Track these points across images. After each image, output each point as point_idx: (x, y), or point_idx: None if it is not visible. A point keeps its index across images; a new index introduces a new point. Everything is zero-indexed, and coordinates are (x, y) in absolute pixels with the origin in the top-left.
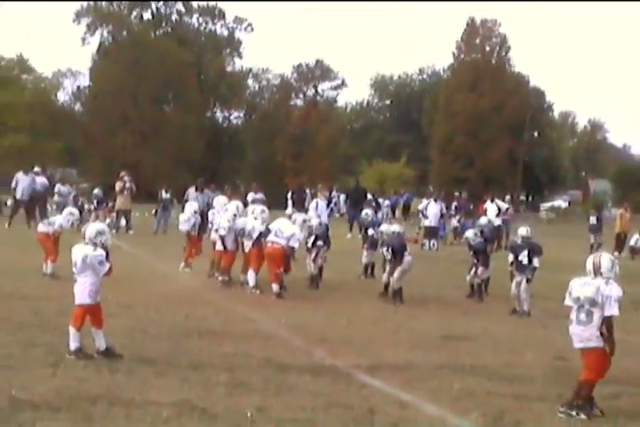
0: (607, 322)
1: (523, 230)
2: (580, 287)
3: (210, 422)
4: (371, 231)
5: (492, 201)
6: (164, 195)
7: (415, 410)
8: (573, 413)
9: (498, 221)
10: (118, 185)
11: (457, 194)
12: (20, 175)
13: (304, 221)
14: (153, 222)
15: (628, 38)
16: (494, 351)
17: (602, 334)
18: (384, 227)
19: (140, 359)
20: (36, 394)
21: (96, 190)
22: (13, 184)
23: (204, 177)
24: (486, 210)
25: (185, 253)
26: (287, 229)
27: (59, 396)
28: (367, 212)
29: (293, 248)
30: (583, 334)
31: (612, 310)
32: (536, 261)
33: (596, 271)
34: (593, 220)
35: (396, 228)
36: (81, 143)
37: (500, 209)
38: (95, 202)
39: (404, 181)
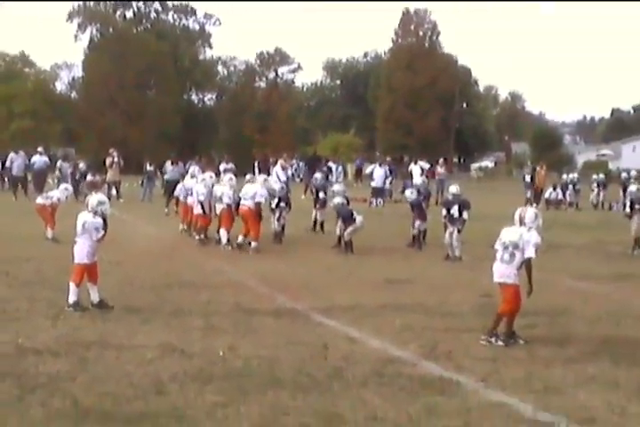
0: (526, 263)
1: (453, 188)
2: (507, 233)
3: (188, 360)
4: (321, 195)
5: (416, 163)
6: (149, 167)
7: (363, 344)
8: (492, 340)
9: (419, 180)
10: (108, 160)
11: (388, 159)
12: (12, 155)
13: (264, 180)
14: (139, 192)
15: (542, 19)
16: (430, 291)
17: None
18: (336, 187)
19: (128, 309)
20: (39, 342)
21: (80, 164)
22: (8, 163)
23: (182, 151)
24: (412, 171)
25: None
26: (250, 190)
27: (58, 343)
28: (317, 176)
29: (259, 203)
30: (505, 272)
31: (530, 252)
32: (465, 215)
33: (522, 221)
34: (527, 178)
35: (339, 199)
36: (77, 125)
37: (422, 169)
38: (78, 174)
39: (354, 148)
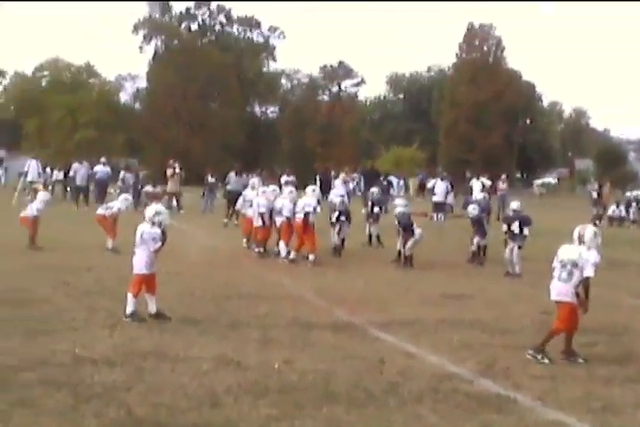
0: (584, 282)
1: (514, 204)
2: (566, 251)
3: (243, 373)
4: (376, 209)
5: (478, 179)
6: (210, 179)
7: (420, 360)
8: (539, 356)
9: (480, 196)
10: (169, 171)
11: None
12: (76, 165)
13: (312, 190)
14: (200, 203)
15: (606, 36)
16: (489, 308)
17: (577, 294)
18: (397, 201)
19: (186, 320)
20: (96, 351)
21: (142, 175)
22: (72, 173)
23: (244, 163)
24: (472, 187)
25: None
26: (301, 202)
27: (115, 353)
28: (373, 190)
29: (308, 213)
30: (562, 290)
31: (590, 272)
32: (526, 231)
33: (581, 240)
34: (594, 195)
35: (402, 208)
36: (140, 136)
37: (484, 186)
38: (140, 185)
39: (416, 163)
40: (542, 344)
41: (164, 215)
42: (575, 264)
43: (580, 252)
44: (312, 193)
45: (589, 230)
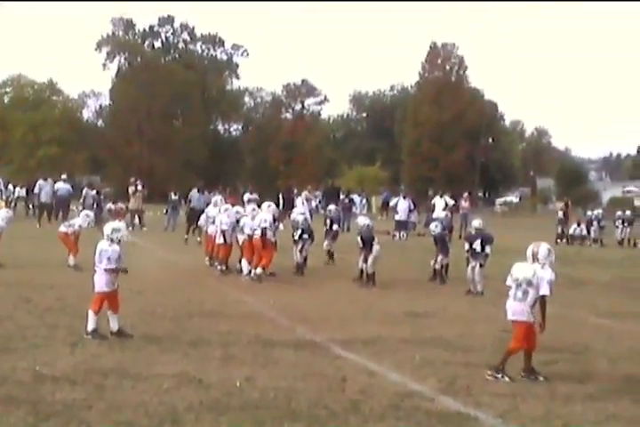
0: (540, 300)
1: (476, 223)
2: (520, 270)
3: (205, 390)
4: (335, 226)
5: (441, 197)
6: (173, 197)
7: (381, 378)
8: (498, 376)
9: (442, 214)
10: (130, 189)
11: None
12: (41, 182)
13: (268, 206)
14: (164, 220)
15: (568, 56)
16: (451, 326)
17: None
18: (360, 219)
19: (148, 338)
20: (57, 369)
21: (85, 190)
22: (36, 190)
23: (207, 180)
24: (434, 205)
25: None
26: (256, 218)
27: (76, 370)
28: (330, 208)
29: (264, 228)
30: (517, 309)
31: (545, 290)
32: (488, 249)
33: (534, 257)
34: (560, 214)
35: (366, 221)
36: (103, 153)
37: (447, 204)
38: (103, 202)
39: (379, 181)
40: (501, 364)
41: (122, 232)
42: (530, 283)
43: (534, 270)
44: (267, 209)
45: (543, 248)
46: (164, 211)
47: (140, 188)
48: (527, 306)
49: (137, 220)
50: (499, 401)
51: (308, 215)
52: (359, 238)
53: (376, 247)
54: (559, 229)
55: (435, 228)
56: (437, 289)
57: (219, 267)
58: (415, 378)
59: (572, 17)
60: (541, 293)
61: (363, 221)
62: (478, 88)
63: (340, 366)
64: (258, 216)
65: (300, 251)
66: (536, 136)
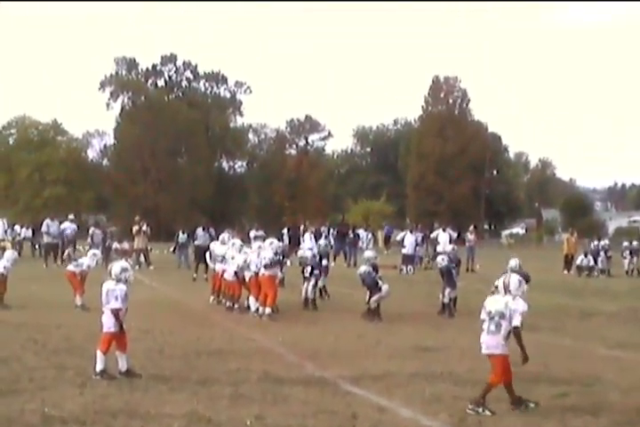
0: (514, 332)
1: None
2: (493, 303)
3: None
4: (324, 262)
5: (444, 230)
6: (181, 235)
7: (392, 414)
8: (479, 410)
9: (449, 248)
10: (135, 228)
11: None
12: (48, 221)
13: (270, 243)
14: (174, 260)
15: (571, 87)
16: (460, 360)
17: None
18: (367, 253)
19: (156, 377)
20: (66, 410)
21: (92, 230)
22: (44, 229)
23: (212, 218)
24: (437, 238)
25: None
26: (260, 256)
27: (85, 411)
28: (320, 243)
29: (266, 265)
30: (490, 342)
31: (517, 321)
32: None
33: (506, 289)
34: (566, 245)
35: (363, 268)
36: (109, 192)
37: (451, 237)
38: (109, 241)
39: (384, 215)
40: (481, 397)
41: (130, 272)
42: (502, 315)
43: (506, 302)
44: (269, 246)
45: (514, 279)
46: (172, 249)
47: (144, 228)
48: (501, 338)
49: (142, 258)
50: None
51: (315, 251)
52: (362, 284)
53: (384, 287)
54: (566, 260)
55: (442, 261)
56: (446, 323)
57: (227, 304)
58: (426, 414)
59: (574, 48)
60: (513, 324)
61: (362, 268)
62: (482, 121)
63: (350, 403)
64: (261, 254)
65: (314, 286)
66: (540, 167)
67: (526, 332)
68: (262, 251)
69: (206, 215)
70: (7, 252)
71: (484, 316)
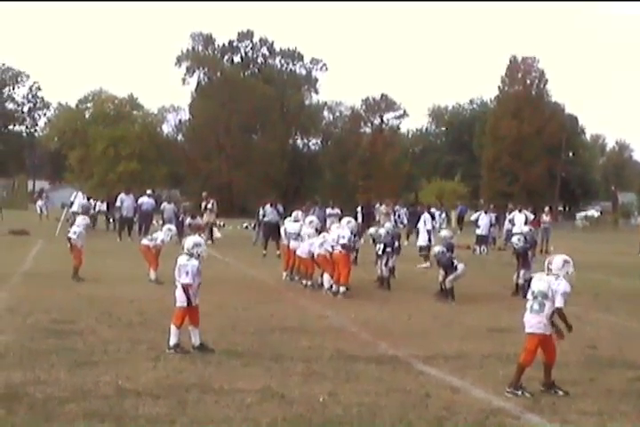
0: (558, 313)
1: (444, 232)
2: (537, 282)
3: (287, 406)
4: (388, 249)
5: (520, 211)
6: (261, 211)
7: (465, 394)
8: (518, 392)
9: (526, 229)
10: (203, 204)
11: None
12: (123, 196)
13: (348, 222)
14: (248, 234)
15: None
16: None
17: (553, 323)
18: (443, 232)
19: (229, 353)
20: (140, 384)
21: (164, 205)
22: (118, 203)
23: (286, 195)
24: (513, 219)
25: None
26: (332, 235)
27: (158, 385)
28: (380, 233)
29: (344, 245)
30: (532, 321)
31: (559, 302)
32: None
33: (549, 269)
34: None
35: (438, 248)
36: (183, 168)
37: (527, 218)
38: (182, 216)
39: (458, 195)
40: (516, 379)
41: (202, 247)
42: (545, 295)
43: (548, 282)
44: (347, 225)
45: (557, 259)
46: (252, 226)
47: (209, 205)
48: (544, 318)
49: (217, 233)
50: (585, 419)
51: (390, 228)
52: (437, 264)
53: (460, 266)
54: None
55: (517, 241)
56: (520, 304)
57: (303, 282)
58: (499, 395)
59: None
60: (556, 305)
61: (436, 248)
62: (559, 102)
63: (422, 382)
64: (335, 232)
65: (386, 264)
66: (617, 150)
67: (602, 313)
68: (339, 229)
69: (279, 192)
70: (78, 217)
71: (529, 295)
